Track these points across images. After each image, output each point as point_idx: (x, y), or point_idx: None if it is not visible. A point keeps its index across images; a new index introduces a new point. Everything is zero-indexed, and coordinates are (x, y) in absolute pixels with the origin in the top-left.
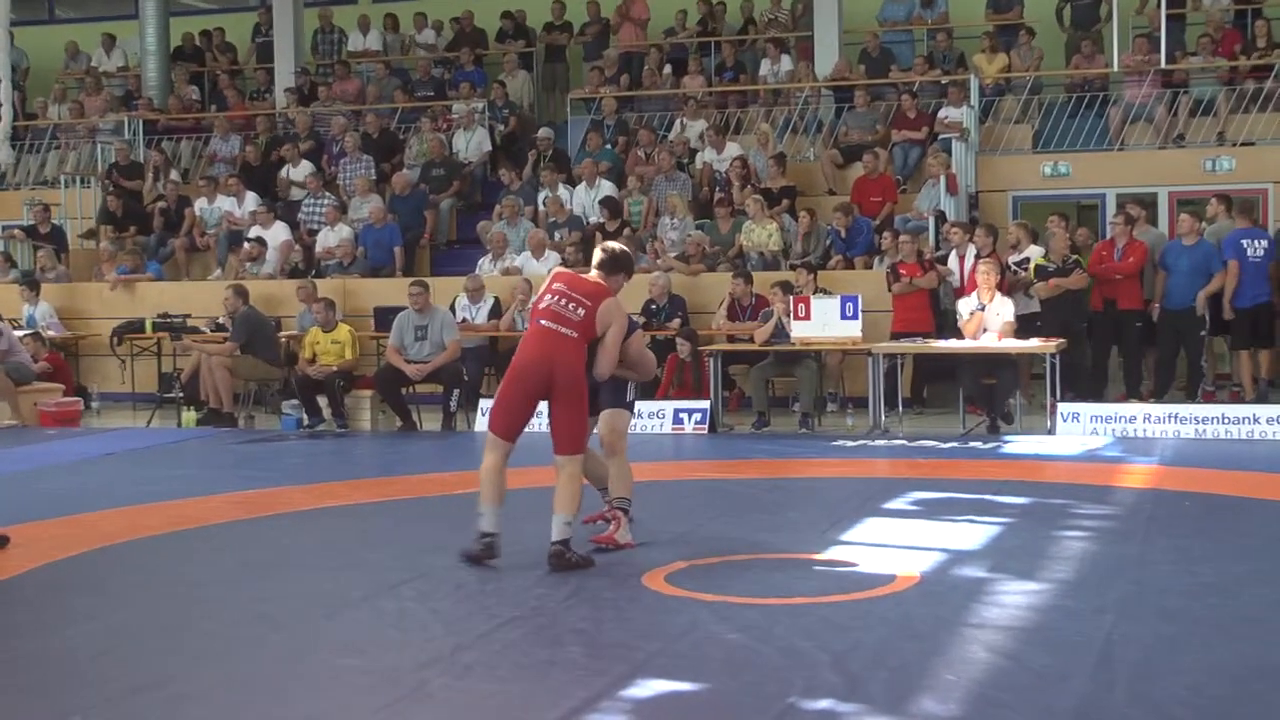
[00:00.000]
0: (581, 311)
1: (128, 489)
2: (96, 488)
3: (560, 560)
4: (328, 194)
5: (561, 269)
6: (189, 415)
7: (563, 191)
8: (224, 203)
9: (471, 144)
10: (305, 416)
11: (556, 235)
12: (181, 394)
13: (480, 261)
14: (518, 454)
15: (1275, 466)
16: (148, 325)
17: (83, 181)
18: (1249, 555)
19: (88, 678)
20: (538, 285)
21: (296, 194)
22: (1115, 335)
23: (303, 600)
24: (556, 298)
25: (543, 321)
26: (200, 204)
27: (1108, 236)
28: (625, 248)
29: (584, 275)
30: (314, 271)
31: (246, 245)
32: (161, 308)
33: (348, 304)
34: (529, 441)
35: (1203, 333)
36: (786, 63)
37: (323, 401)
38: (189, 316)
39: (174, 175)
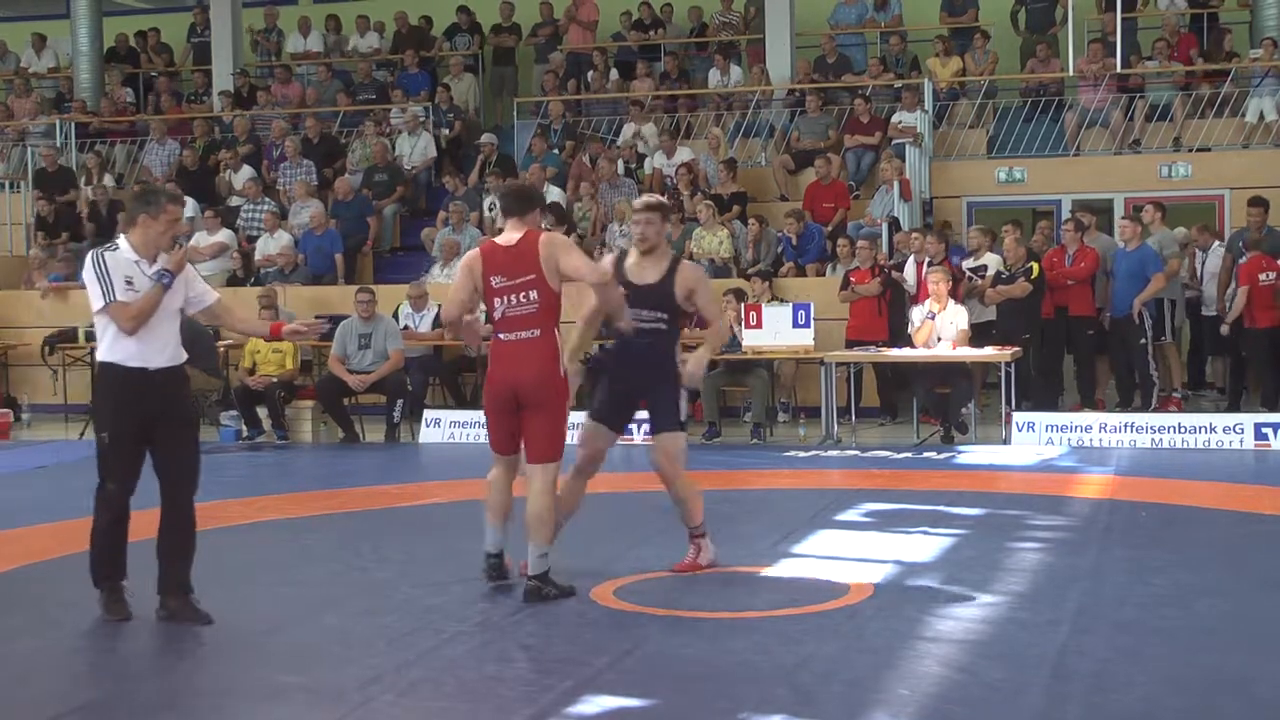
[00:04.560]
0: (534, 293)
1: (59, 503)
2: (26, 502)
3: (537, 596)
4: (267, 199)
5: (480, 251)
6: None
7: None
8: None
9: (416, 149)
10: (244, 428)
11: None
12: None
13: (432, 269)
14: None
15: (1231, 476)
16: (81, 334)
17: (12, 186)
18: (1205, 566)
19: (16, 699)
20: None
21: (235, 200)
22: (1067, 343)
23: (242, 616)
24: (506, 297)
25: (501, 335)
26: None
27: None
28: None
29: (503, 244)
30: (253, 279)
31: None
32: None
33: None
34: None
35: (1143, 340)
36: (736, 73)
37: (263, 413)
38: None
39: (107, 179)
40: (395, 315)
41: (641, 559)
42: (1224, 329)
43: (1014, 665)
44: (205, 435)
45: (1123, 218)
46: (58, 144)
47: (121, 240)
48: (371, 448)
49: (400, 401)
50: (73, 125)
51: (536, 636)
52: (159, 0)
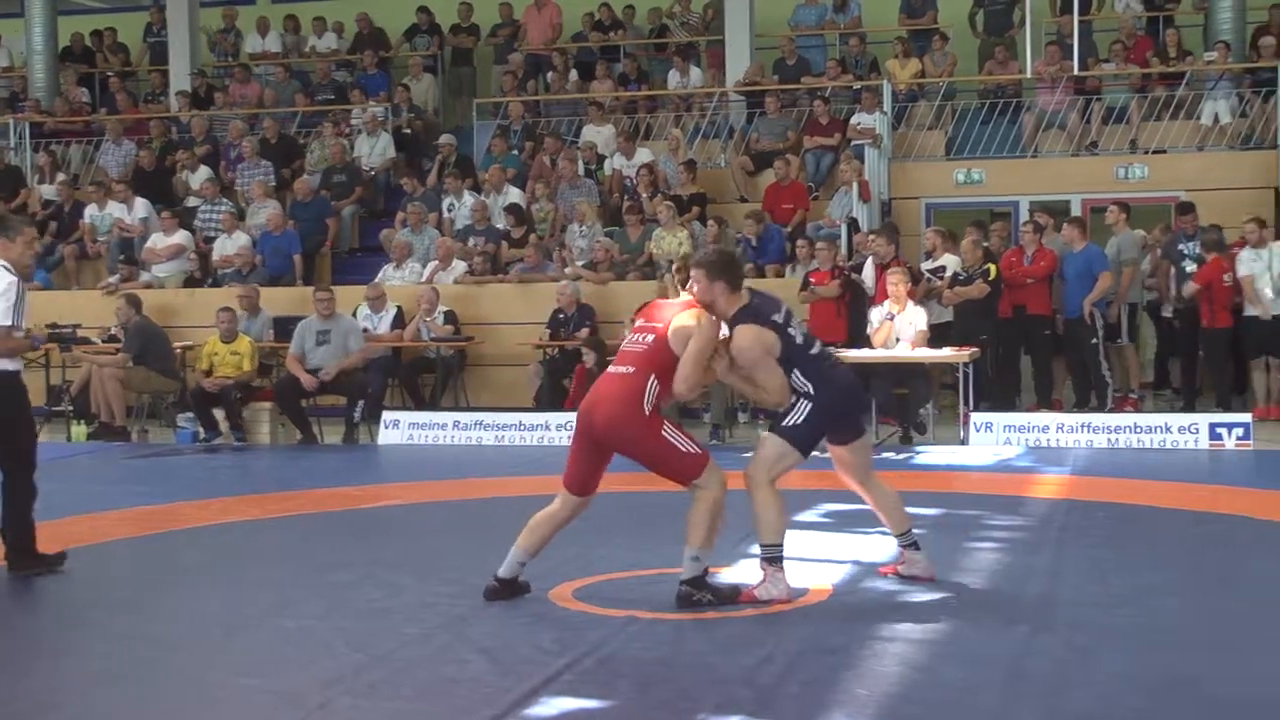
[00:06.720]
0: (650, 337)
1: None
2: None
3: (687, 603)
4: (224, 200)
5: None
6: (79, 429)
7: (468, 198)
8: (115, 209)
9: (376, 150)
10: (201, 430)
11: (472, 241)
12: (71, 407)
13: (385, 269)
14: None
15: (1187, 476)
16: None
17: None
18: (1161, 565)
19: None
20: (447, 295)
21: (192, 201)
22: (1025, 343)
23: (200, 619)
24: (633, 335)
25: (611, 367)
26: (90, 210)
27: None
28: (723, 249)
29: (672, 302)
30: (210, 280)
31: (120, 267)
32: (50, 317)
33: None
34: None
35: (1094, 340)
36: (696, 75)
37: (220, 415)
38: (79, 326)
39: (60, 178)
40: (354, 316)
41: (600, 560)
42: (1166, 311)
43: (971, 665)
44: (162, 437)
45: (1067, 222)
46: (11, 144)
47: None
48: (330, 449)
49: (360, 403)
50: (26, 125)
51: (495, 638)
52: None
